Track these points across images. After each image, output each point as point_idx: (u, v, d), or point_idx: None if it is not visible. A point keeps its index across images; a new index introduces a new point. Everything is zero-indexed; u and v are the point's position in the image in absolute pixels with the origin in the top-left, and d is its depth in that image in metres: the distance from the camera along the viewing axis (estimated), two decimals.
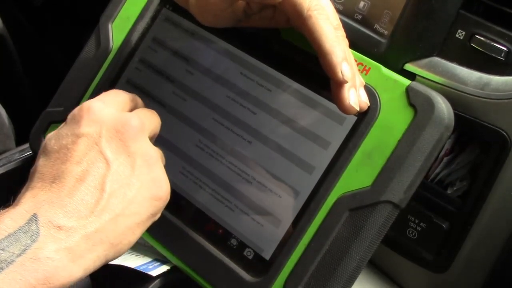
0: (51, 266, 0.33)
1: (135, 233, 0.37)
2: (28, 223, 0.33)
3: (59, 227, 0.33)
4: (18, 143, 0.65)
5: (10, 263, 0.32)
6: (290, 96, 0.46)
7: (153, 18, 0.54)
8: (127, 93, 0.44)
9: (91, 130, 0.37)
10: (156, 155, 0.39)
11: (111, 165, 0.36)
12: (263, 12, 0.45)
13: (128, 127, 0.37)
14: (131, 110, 0.43)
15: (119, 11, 0.55)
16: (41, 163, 0.37)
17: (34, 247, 0.33)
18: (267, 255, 0.44)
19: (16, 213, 0.34)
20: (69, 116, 0.39)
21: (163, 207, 0.39)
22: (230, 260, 0.45)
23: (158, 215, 0.39)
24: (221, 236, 0.47)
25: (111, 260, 0.36)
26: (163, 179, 0.39)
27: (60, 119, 0.53)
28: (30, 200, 0.35)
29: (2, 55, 0.75)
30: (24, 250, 0.32)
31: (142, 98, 0.52)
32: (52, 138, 0.38)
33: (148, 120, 0.41)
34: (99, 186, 0.35)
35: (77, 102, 0.53)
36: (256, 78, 0.48)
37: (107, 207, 0.35)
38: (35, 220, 0.33)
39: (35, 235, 0.33)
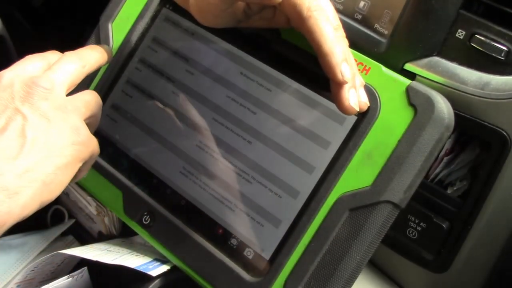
0: None
1: (66, 174, 0.40)
2: None
3: None
4: None
5: None
6: (290, 96, 0.46)
7: (153, 18, 0.54)
8: (40, 56, 0.45)
9: (4, 94, 0.40)
10: (70, 107, 0.42)
11: (28, 118, 0.39)
12: (263, 13, 0.45)
13: (36, 88, 0.40)
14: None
15: (119, 11, 0.55)
16: None
17: None
18: (267, 255, 0.44)
19: None
20: None
21: (90, 152, 0.43)
22: (230, 260, 0.45)
23: (86, 158, 0.42)
24: (221, 236, 0.47)
25: (47, 200, 0.39)
26: (80, 126, 0.42)
27: None
28: None
29: (2, 55, 0.75)
30: None
31: (142, 98, 0.53)
32: None
33: (63, 75, 0.43)
34: (20, 134, 0.38)
35: None
36: (256, 78, 0.48)
37: (32, 150, 0.38)
38: None
39: None
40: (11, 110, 0.39)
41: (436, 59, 0.46)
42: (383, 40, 0.47)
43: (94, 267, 0.49)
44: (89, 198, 0.56)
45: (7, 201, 0.36)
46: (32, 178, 0.38)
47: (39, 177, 0.38)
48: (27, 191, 0.37)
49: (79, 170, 0.44)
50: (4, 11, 0.75)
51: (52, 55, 0.45)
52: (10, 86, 0.40)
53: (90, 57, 0.47)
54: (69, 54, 0.45)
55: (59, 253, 0.48)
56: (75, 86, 0.45)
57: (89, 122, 0.45)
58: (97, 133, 0.47)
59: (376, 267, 0.56)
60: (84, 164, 0.44)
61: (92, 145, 0.43)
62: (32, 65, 0.43)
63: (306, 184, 0.44)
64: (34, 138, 0.38)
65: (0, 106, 0.39)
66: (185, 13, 0.49)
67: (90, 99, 0.45)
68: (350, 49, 0.41)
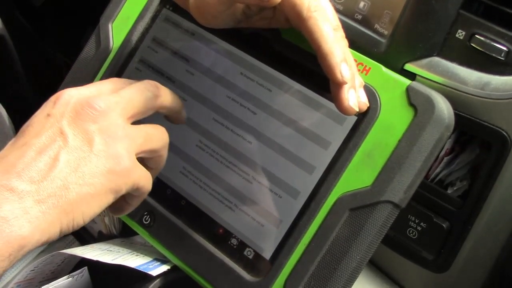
0: (7, 225, 0.34)
1: (90, 205, 0.38)
2: None
3: (11, 189, 0.35)
4: None
5: None
6: (290, 96, 0.46)
7: (153, 18, 0.54)
8: (119, 80, 0.43)
9: (56, 112, 0.39)
10: (121, 134, 0.39)
11: (68, 140, 0.38)
12: (262, 13, 0.45)
13: (87, 109, 0.39)
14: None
15: (119, 11, 0.55)
16: (11, 141, 0.39)
17: None
18: (267, 255, 0.45)
19: None
20: (46, 102, 0.41)
21: (130, 184, 0.39)
22: (230, 260, 0.45)
23: (121, 192, 0.39)
24: (221, 236, 0.47)
25: (66, 230, 0.37)
26: (123, 155, 0.39)
27: None
28: None
29: (2, 55, 0.75)
30: None
31: None
32: (28, 121, 0.40)
33: (126, 100, 0.40)
34: (54, 156, 0.37)
35: None
36: (256, 78, 0.48)
37: (59, 174, 0.36)
38: None
39: None
40: (54, 129, 0.38)
41: (436, 59, 0.46)
42: (383, 40, 0.47)
43: (94, 267, 0.49)
44: None
45: (27, 226, 0.34)
46: (53, 204, 0.36)
47: (60, 204, 0.36)
48: (46, 218, 0.35)
49: (127, 203, 0.42)
50: (4, 11, 0.75)
51: (128, 81, 0.43)
52: (65, 104, 0.39)
53: (168, 93, 0.44)
54: (146, 81, 0.43)
55: (59, 253, 0.48)
56: (143, 116, 0.42)
57: (150, 158, 0.42)
58: None
59: (376, 267, 0.56)
60: (130, 198, 0.42)
61: (133, 177, 0.39)
62: (102, 86, 0.41)
63: (306, 184, 0.44)
64: (66, 162, 0.37)
65: (48, 123, 0.38)
66: (185, 14, 0.49)
67: (152, 133, 0.41)
68: (350, 49, 0.41)
